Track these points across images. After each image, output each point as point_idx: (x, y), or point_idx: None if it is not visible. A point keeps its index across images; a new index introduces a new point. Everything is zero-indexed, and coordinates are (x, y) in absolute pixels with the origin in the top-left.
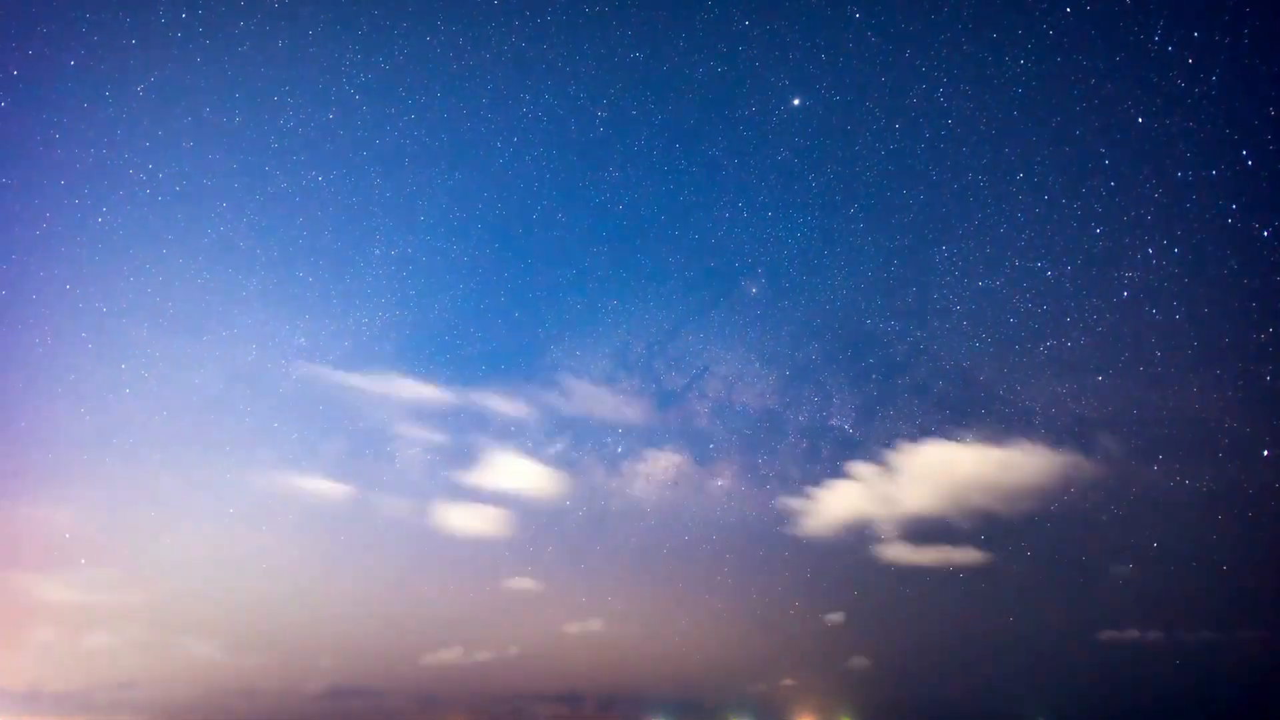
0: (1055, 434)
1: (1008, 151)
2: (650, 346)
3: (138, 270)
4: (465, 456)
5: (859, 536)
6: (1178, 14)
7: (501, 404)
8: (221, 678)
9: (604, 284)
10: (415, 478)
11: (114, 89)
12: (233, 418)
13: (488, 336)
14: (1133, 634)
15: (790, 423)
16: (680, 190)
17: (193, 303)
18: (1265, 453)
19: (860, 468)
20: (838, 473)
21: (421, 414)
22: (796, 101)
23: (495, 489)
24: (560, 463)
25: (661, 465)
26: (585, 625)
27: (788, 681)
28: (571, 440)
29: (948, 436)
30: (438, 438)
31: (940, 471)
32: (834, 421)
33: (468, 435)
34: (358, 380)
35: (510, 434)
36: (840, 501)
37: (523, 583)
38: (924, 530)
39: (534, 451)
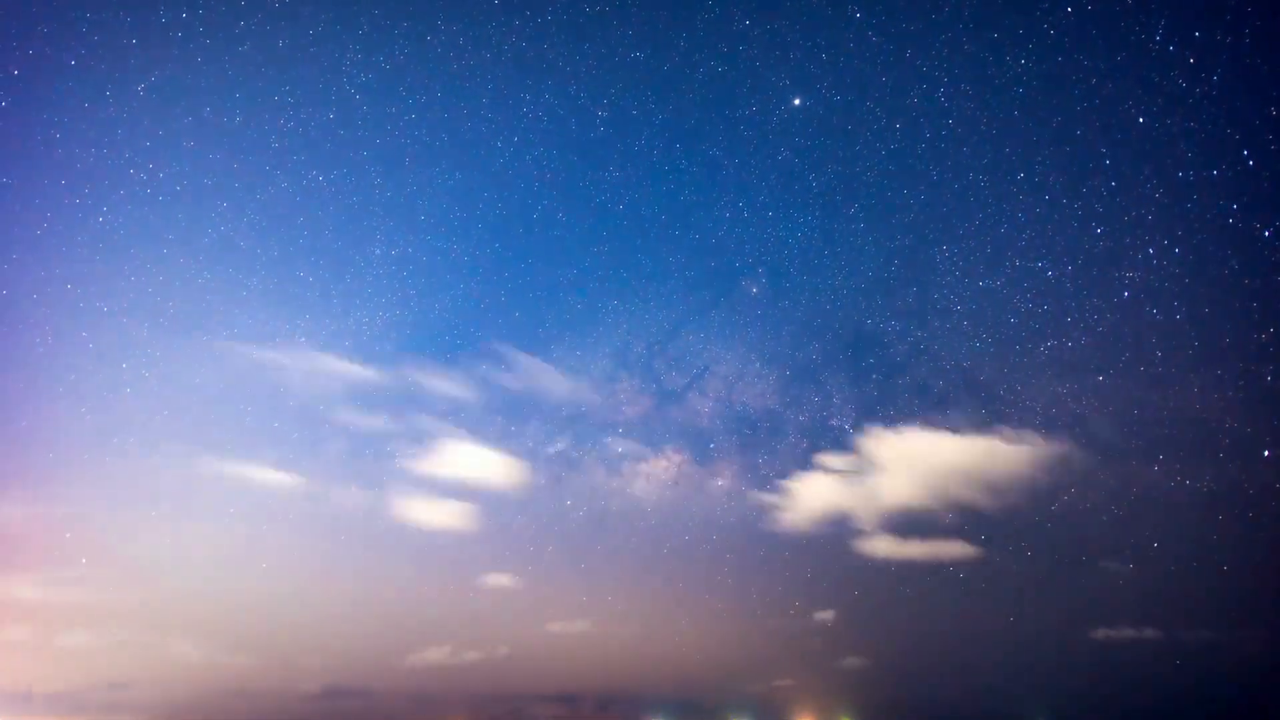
0: (1054, 431)
1: (1008, 151)
2: (650, 346)
3: (138, 270)
4: (420, 447)
5: (840, 529)
6: (1179, 14)
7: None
8: (207, 678)
9: (604, 284)
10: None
11: (114, 89)
12: (233, 417)
13: (488, 336)
14: (1133, 634)
15: (790, 422)
16: (681, 190)
17: (193, 302)
18: (1266, 453)
19: (844, 460)
20: (820, 466)
21: (365, 402)
22: (797, 101)
23: (456, 479)
24: (525, 453)
25: (661, 465)
26: (577, 624)
27: (785, 681)
28: (571, 440)
29: (942, 428)
30: (385, 425)
31: (931, 466)
32: (834, 421)
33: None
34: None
35: (470, 423)
36: (821, 495)
37: (500, 579)
38: (911, 524)
39: (500, 442)
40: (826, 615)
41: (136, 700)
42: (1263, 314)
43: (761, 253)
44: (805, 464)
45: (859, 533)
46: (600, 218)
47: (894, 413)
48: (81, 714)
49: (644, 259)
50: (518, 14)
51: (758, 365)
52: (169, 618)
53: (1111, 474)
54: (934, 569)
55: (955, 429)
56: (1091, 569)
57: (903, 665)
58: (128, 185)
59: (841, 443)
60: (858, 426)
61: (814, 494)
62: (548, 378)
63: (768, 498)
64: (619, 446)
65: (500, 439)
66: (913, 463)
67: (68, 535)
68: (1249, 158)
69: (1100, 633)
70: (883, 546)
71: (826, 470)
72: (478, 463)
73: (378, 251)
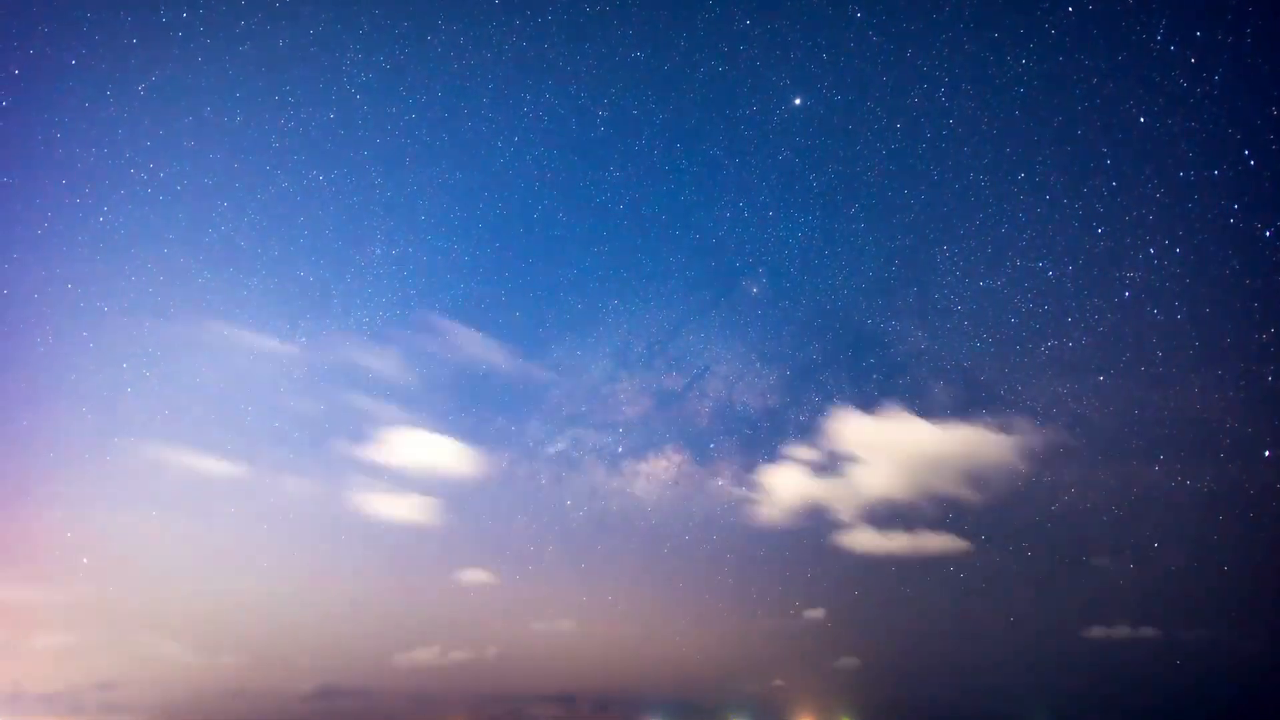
0: (1053, 427)
1: (1009, 151)
2: (650, 346)
3: (139, 269)
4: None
5: (820, 522)
6: (1180, 13)
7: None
8: (187, 677)
9: (604, 284)
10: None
11: (115, 88)
12: (234, 417)
13: (488, 335)
14: (1133, 633)
15: (791, 422)
16: (681, 190)
17: (194, 302)
18: (1266, 453)
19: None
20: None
21: (368, 390)
22: (798, 101)
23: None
24: (485, 443)
25: (661, 465)
26: (563, 623)
27: (779, 681)
28: (571, 440)
29: (936, 419)
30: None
31: (923, 458)
32: (810, 416)
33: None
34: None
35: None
36: (801, 489)
37: (476, 575)
38: (895, 516)
39: (474, 439)
40: (816, 613)
41: (124, 699)
42: (1263, 314)
43: (762, 253)
44: (775, 456)
45: (838, 526)
46: (600, 218)
47: (875, 398)
48: (78, 714)
49: (644, 259)
50: (518, 14)
51: (758, 365)
52: (147, 616)
53: (1111, 474)
54: (930, 565)
55: (940, 417)
56: (1092, 569)
57: (902, 665)
58: (128, 185)
59: (815, 432)
60: (831, 413)
61: (785, 485)
62: (543, 376)
63: (743, 492)
64: (619, 446)
65: (471, 433)
66: (895, 453)
67: (69, 535)
68: (1250, 158)
69: (1101, 632)
70: (863, 539)
71: (796, 461)
72: (430, 453)
73: (378, 251)
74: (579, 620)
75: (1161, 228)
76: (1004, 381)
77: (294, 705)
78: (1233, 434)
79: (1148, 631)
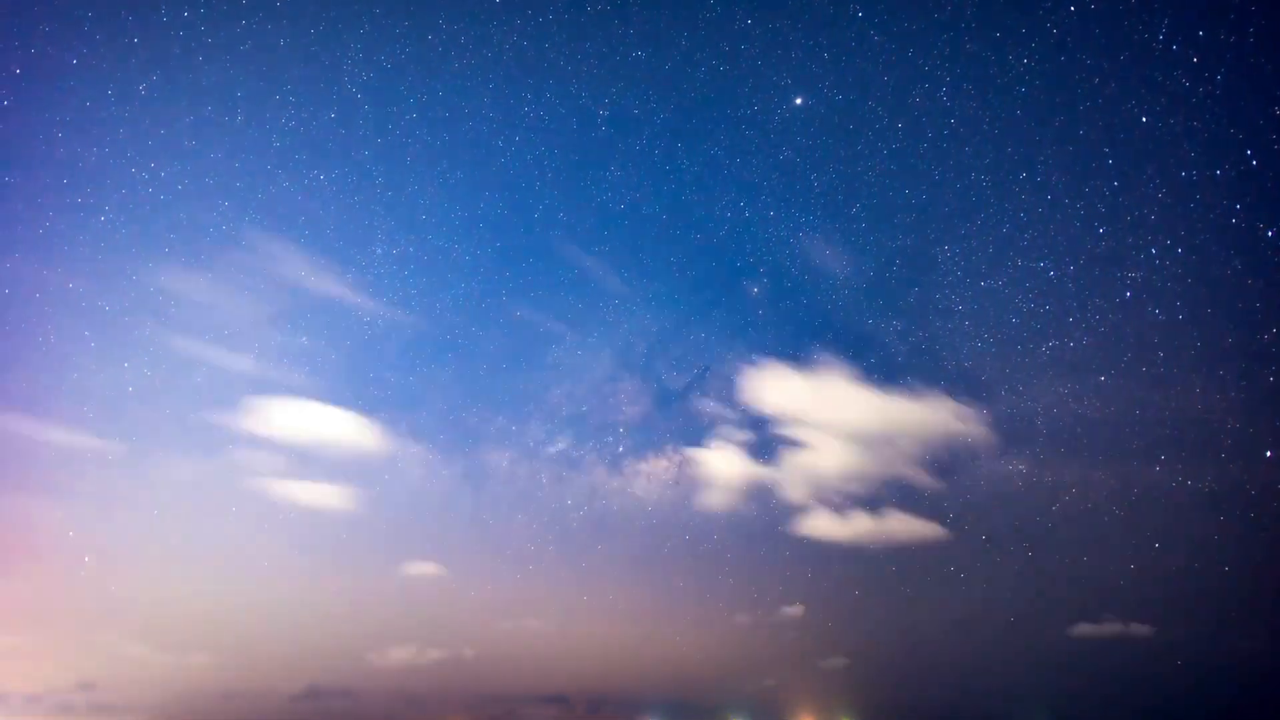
0: (1055, 430)
1: (1010, 151)
2: (650, 346)
3: (139, 270)
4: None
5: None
6: (1182, 13)
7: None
8: (151, 676)
9: (604, 284)
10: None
11: (116, 88)
12: (234, 418)
13: (487, 335)
14: (1134, 633)
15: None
16: (682, 190)
17: (195, 302)
18: (1268, 453)
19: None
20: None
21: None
22: (799, 100)
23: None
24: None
25: (661, 465)
26: (534, 622)
27: (770, 681)
28: (571, 440)
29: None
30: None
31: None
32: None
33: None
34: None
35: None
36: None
37: (423, 568)
38: (892, 509)
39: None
40: (796, 610)
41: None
42: (1265, 314)
43: (762, 253)
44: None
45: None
46: (600, 218)
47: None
48: (70, 714)
49: (644, 259)
50: (518, 14)
51: (758, 365)
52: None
53: (1112, 474)
54: (929, 568)
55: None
56: (1092, 569)
57: (901, 665)
58: (129, 184)
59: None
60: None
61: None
62: (543, 375)
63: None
64: (619, 446)
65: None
66: (893, 448)
67: (71, 534)
68: (1252, 158)
69: (1098, 631)
70: (817, 525)
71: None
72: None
73: (378, 250)
74: (576, 620)
75: (1163, 228)
76: (1005, 381)
77: (285, 705)
78: (1234, 434)
79: (1146, 631)
